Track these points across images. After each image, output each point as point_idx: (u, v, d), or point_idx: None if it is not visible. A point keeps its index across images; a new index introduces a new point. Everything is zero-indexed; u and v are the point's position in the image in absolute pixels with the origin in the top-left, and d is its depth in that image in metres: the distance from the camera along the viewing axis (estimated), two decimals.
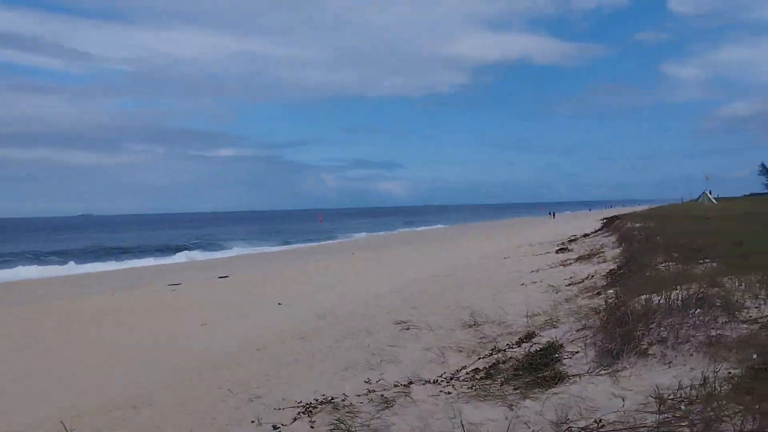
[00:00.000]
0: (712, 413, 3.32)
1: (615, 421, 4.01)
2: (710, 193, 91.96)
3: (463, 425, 4.69)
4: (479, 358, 7.36)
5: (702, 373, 4.58)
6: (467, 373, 6.76)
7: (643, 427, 3.58)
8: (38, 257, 45.52)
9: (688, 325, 5.81)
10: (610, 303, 7.09)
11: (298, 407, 6.38)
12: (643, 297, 6.85)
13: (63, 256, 44.33)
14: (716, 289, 6.51)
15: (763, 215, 23.81)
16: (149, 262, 39.91)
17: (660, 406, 3.83)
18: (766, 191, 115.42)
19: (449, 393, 6.10)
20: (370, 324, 11.07)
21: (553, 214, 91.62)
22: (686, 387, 4.78)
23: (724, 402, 3.46)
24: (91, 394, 7.99)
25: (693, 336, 5.60)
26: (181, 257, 42.62)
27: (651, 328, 6.04)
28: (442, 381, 6.57)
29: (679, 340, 5.64)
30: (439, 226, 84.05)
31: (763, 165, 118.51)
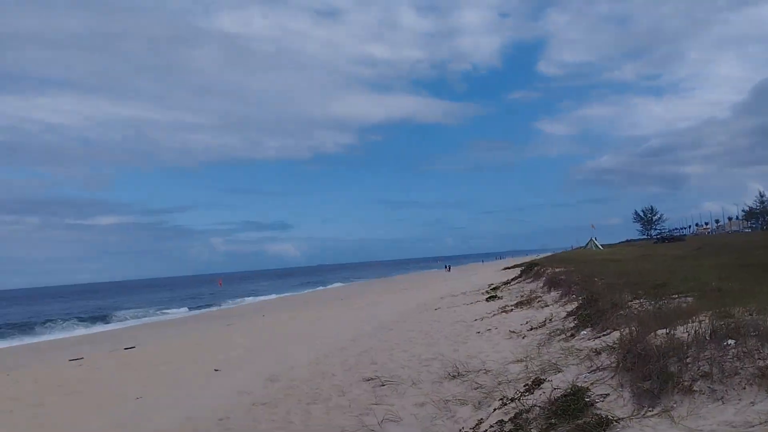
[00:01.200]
0: None
1: None
2: (596, 239, 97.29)
3: None
4: (494, 410, 6.84)
5: None
6: (491, 426, 6.24)
7: None
8: None
9: (729, 357, 5.60)
10: (625, 340, 6.84)
11: None
12: (661, 332, 6.63)
13: None
14: (730, 319, 6.40)
15: (669, 255, 25.10)
16: (38, 338, 36.25)
17: None
18: (641, 237, 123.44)
19: None
20: (335, 383, 10.31)
21: (449, 267, 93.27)
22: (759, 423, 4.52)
23: None
24: None
25: (740, 368, 5.39)
26: (74, 330, 39.27)
27: (687, 363, 5.79)
28: None
29: (726, 374, 5.41)
30: (348, 283, 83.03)
31: (636, 212, 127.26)
